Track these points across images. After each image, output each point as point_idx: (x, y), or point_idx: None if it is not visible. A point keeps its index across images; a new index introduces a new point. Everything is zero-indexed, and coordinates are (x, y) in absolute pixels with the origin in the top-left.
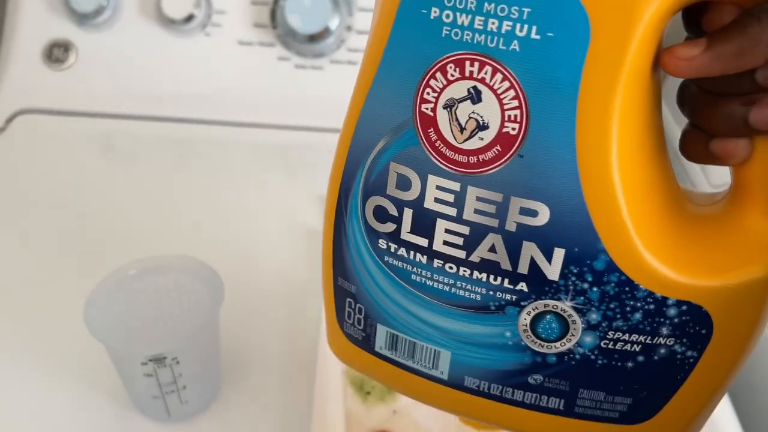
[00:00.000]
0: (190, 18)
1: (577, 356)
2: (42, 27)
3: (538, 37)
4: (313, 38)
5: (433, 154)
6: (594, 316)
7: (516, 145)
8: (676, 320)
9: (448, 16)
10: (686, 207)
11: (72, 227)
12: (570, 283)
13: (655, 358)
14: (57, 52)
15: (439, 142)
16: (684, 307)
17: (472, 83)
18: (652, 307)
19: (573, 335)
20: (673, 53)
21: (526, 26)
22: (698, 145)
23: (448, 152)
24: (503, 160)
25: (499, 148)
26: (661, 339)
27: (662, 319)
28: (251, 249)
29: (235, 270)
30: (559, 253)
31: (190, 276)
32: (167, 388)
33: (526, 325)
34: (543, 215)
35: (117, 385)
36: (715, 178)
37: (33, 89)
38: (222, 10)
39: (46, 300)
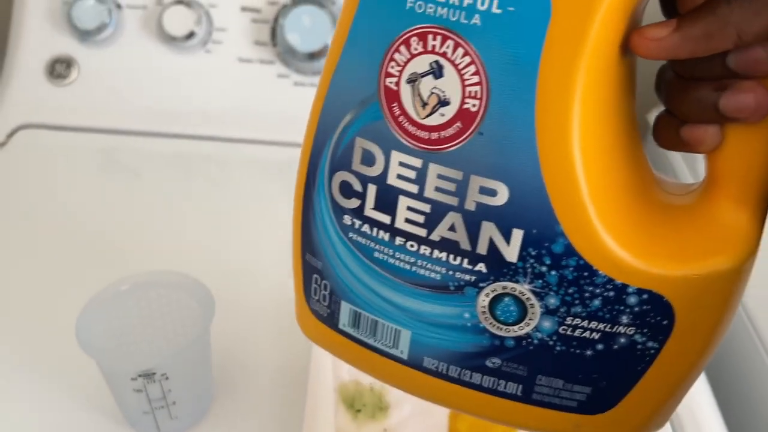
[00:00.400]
0: (191, 35)
1: (536, 341)
2: (45, 43)
3: (499, 11)
4: (313, 56)
5: (397, 129)
6: (552, 301)
7: (476, 122)
8: (636, 309)
9: None
10: (657, 195)
11: (69, 242)
12: (528, 265)
13: (615, 347)
14: (59, 68)
15: (402, 117)
16: (645, 296)
17: (435, 57)
18: (611, 294)
19: (531, 319)
20: (642, 34)
21: (487, 0)
22: (670, 131)
23: (410, 128)
24: (463, 137)
25: (459, 124)
26: (620, 328)
27: (622, 307)
28: (247, 265)
29: (229, 286)
30: (517, 235)
31: (181, 292)
32: (157, 404)
33: (485, 307)
34: (502, 195)
35: (108, 399)
36: (701, 169)
37: (35, 104)
38: (223, 28)
39: (40, 314)
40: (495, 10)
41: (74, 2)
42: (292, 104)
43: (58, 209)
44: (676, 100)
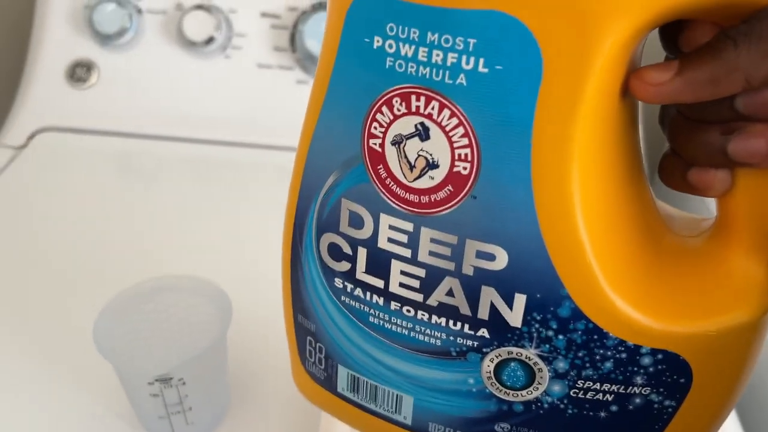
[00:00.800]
0: (210, 40)
1: (546, 405)
2: (66, 47)
3: (485, 70)
4: None
5: (384, 192)
6: (561, 365)
7: (468, 185)
8: (651, 369)
9: (390, 46)
10: (666, 240)
11: (87, 245)
12: (534, 330)
13: (630, 407)
14: (80, 72)
15: (389, 179)
16: (659, 356)
17: (420, 119)
18: (624, 356)
19: (540, 384)
20: (642, 77)
21: (472, 59)
22: (676, 172)
23: (398, 191)
24: (456, 200)
25: (450, 188)
26: (635, 388)
27: (636, 368)
28: (264, 272)
29: (245, 292)
30: (520, 299)
31: (199, 297)
32: (173, 409)
33: (490, 373)
34: (501, 259)
35: (124, 403)
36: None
37: (55, 107)
38: (242, 33)
39: (57, 317)
40: (481, 69)
41: (95, 6)
42: None
43: (75, 212)
44: (681, 140)
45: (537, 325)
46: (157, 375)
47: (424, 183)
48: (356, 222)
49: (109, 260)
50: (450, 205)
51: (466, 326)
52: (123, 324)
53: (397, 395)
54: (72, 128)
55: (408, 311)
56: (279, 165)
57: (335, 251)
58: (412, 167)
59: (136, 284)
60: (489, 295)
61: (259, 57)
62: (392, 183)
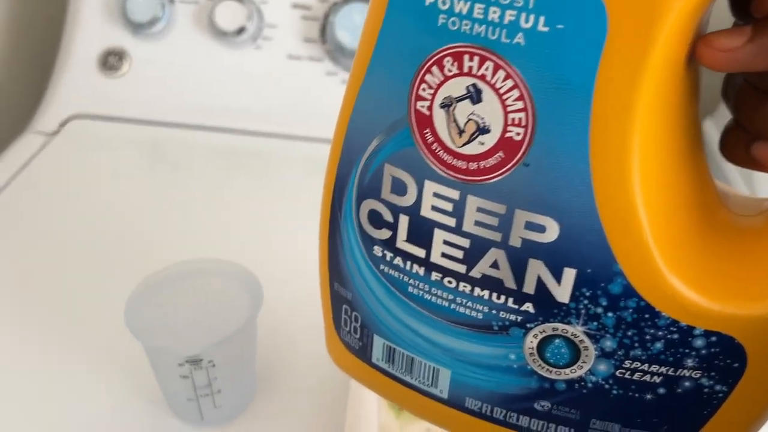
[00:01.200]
0: (241, 30)
1: (590, 384)
2: (98, 35)
3: (546, 29)
4: None
5: (430, 157)
6: (609, 344)
7: (521, 152)
8: (703, 352)
9: (444, 2)
10: (724, 218)
11: (116, 230)
12: (582, 306)
13: (679, 391)
14: (112, 60)
15: (436, 144)
16: (713, 338)
17: (472, 80)
18: (675, 336)
19: (585, 362)
20: (711, 43)
21: (532, 16)
22: (739, 146)
23: (446, 156)
24: (506, 168)
25: (501, 154)
26: (685, 371)
27: (687, 350)
28: (292, 259)
29: (274, 279)
30: (569, 274)
31: (230, 280)
32: (202, 391)
33: (533, 349)
34: (551, 231)
35: (152, 386)
36: (760, 185)
37: (87, 95)
38: (273, 24)
39: (86, 301)
40: (541, 27)
41: None
42: (339, 102)
43: (105, 198)
44: (747, 113)
45: (585, 302)
46: (187, 356)
47: (473, 149)
48: (399, 188)
49: (138, 246)
50: (500, 172)
51: (510, 300)
52: (153, 305)
53: (433, 368)
54: (103, 116)
55: (449, 282)
56: (307, 156)
57: (375, 218)
58: (461, 132)
59: (166, 267)
60: (536, 269)
61: (289, 48)
62: (439, 148)
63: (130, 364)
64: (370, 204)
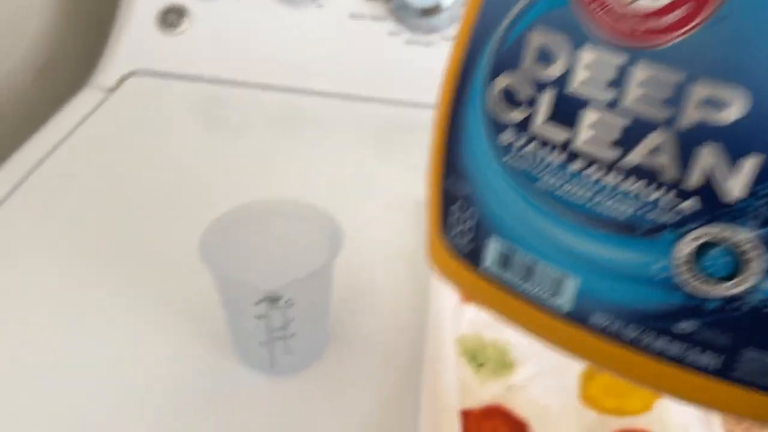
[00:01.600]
0: None
1: (748, 305)
2: None
3: None
4: (426, 12)
5: (588, 18)
6: None
7: (713, 3)
8: None
9: None
10: None
11: (176, 183)
12: (760, 205)
13: None
14: (171, 17)
15: (596, 3)
16: None
17: None
18: None
19: (749, 277)
20: None
21: None
22: None
23: (608, 16)
24: (692, 24)
25: (686, 9)
26: None
27: None
28: (354, 217)
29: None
30: (751, 164)
31: (308, 223)
32: (276, 334)
33: (686, 257)
34: (736, 106)
35: (220, 331)
36: None
37: (146, 52)
38: None
39: (149, 246)
40: None
41: None
42: (402, 62)
43: (165, 151)
44: None
45: (765, 200)
46: (266, 292)
47: (647, 4)
48: (546, 57)
49: (200, 197)
50: (683, 31)
51: (668, 196)
52: (229, 241)
53: (558, 275)
54: (162, 72)
55: (592, 173)
56: (366, 116)
57: (511, 96)
58: None
59: (243, 204)
60: (708, 156)
61: (351, 7)
62: (600, 7)
63: (197, 308)
64: (505, 79)
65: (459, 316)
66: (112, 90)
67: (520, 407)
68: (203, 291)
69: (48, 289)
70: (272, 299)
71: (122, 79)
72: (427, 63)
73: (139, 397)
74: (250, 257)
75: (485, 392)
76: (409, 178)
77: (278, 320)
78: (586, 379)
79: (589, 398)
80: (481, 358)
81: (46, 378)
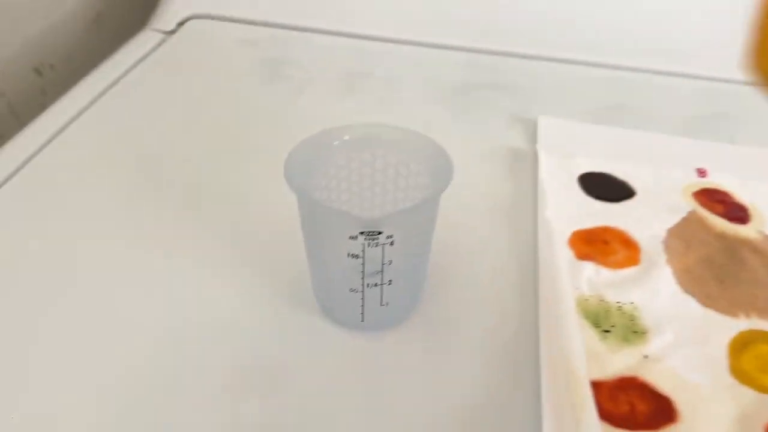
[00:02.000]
0: None
1: None
2: None
3: None
4: None
5: None
6: None
7: None
8: None
9: None
10: None
11: (235, 124)
12: None
13: None
14: None
15: None
16: None
17: None
18: None
19: None
20: None
21: None
22: None
23: None
24: None
25: None
26: None
27: None
28: (462, 174)
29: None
30: None
31: (413, 151)
32: (371, 279)
33: None
34: None
35: (300, 281)
36: None
37: None
38: None
39: (219, 180)
40: None
41: None
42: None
43: (220, 96)
44: None
45: None
46: (365, 224)
47: None
48: None
49: (260, 140)
50: None
51: None
52: (318, 168)
53: None
54: (221, 16)
55: None
56: (447, 62)
57: None
58: None
59: (333, 128)
60: None
61: None
62: None
63: (273, 254)
64: None
65: (576, 273)
66: (171, 33)
67: (659, 381)
68: (284, 222)
69: (117, 233)
70: (371, 234)
71: (182, 23)
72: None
73: (208, 356)
74: (348, 185)
75: (616, 362)
76: (501, 126)
77: (375, 261)
78: (736, 350)
79: (740, 373)
80: (605, 323)
81: (119, 333)
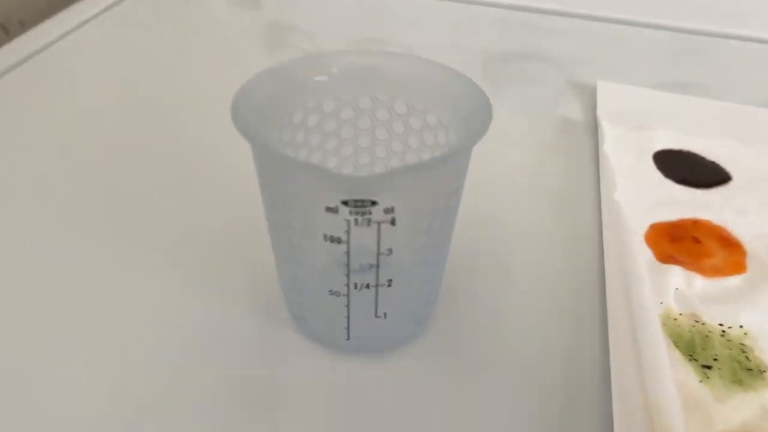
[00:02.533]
0: None
1: None
2: None
3: None
4: None
5: None
6: None
7: None
8: None
9: None
10: None
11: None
12: None
13: None
14: None
15: None
16: None
17: None
18: None
19: None
20: None
21: None
22: None
23: None
24: None
25: None
26: None
27: None
28: (498, 140)
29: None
30: None
31: (429, 95)
32: (361, 278)
33: None
34: None
35: (265, 278)
36: None
37: None
38: None
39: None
40: None
41: None
42: None
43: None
44: None
45: None
46: (351, 188)
47: None
48: None
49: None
50: None
51: None
52: (295, 108)
53: None
54: None
55: None
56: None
57: None
58: None
59: (325, 53)
60: None
61: None
62: None
63: (223, 230)
64: None
65: (659, 281)
66: None
67: None
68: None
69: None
70: (361, 205)
71: None
72: None
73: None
74: (327, 147)
75: (726, 415)
76: (551, 95)
77: (366, 251)
78: None
79: None
80: (705, 355)
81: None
